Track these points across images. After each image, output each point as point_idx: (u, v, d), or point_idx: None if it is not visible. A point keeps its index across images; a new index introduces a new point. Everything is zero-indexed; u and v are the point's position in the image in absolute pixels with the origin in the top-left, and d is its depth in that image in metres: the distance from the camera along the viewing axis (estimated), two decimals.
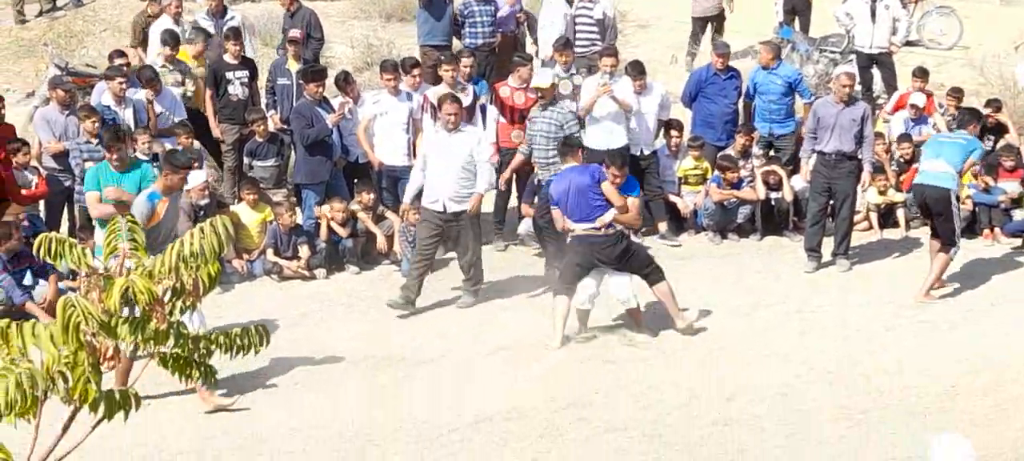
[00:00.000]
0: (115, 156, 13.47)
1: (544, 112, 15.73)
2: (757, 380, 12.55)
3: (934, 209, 14.67)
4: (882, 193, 17.42)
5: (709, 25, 22.52)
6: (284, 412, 11.95)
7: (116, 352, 5.47)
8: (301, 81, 16.90)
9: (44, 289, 14.34)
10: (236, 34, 18.11)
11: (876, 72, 20.70)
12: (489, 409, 11.90)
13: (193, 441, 11.43)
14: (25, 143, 16.01)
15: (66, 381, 5.39)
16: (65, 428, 5.54)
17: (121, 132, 14.57)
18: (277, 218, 16.13)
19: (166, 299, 5.59)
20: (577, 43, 19.12)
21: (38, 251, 5.75)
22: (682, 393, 12.32)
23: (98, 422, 5.56)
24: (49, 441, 5.71)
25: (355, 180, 16.92)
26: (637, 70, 17.10)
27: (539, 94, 15.87)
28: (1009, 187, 16.99)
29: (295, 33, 18.48)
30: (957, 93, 18.20)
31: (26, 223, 15.01)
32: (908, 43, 21.84)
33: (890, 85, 20.29)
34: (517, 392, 12.29)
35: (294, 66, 17.86)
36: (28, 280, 14.40)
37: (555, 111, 15.67)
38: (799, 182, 16.78)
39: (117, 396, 5.47)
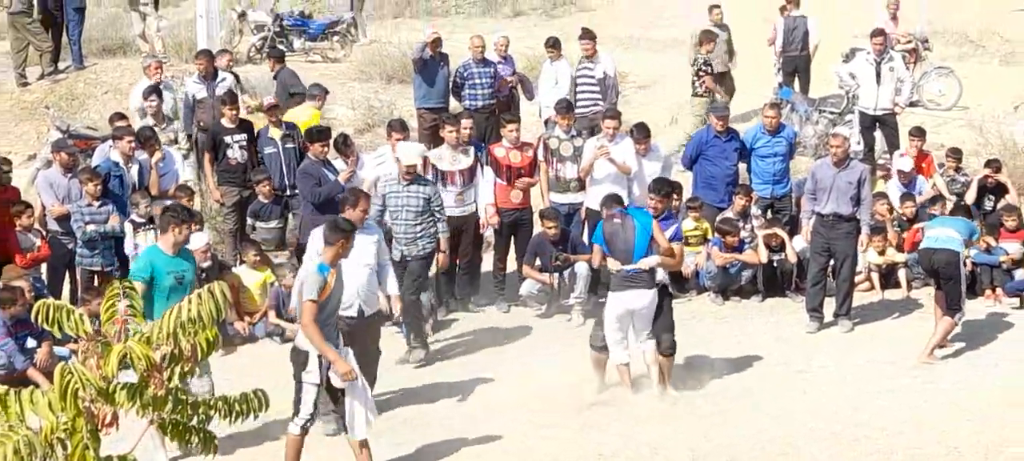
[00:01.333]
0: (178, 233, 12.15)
1: (408, 188, 14.98)
2: (760, 440, 12.50)
3: (943, 273, 14.69)
4: (882, 253, 17.42)
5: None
6: None
7: (115, 418, 5.46)
8: (306, 142, 16.88)
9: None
10: (233, 98, 18.20)
11: (879, 133, 20.74)
12: None
13: None
14: (28, 206, 16.06)
15: (65, 448, 5.38)
16: None
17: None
18: (279, 280, 16.12)
19: (164, 365, 5.58)
20: (578, 103, 19.19)
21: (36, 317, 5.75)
22: (684, 453, 12.26)
23: None
24: None
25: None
26: (642, 133, 17.14)
27: (406, 170, 15.01)
28: (1011, 248, 17.00)
29: (270, 100, 18.49)
30: (956, 154, 18.24)
31: (28, 288, 14.97)
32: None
33: (893, 146, 20.32)
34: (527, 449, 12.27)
35: (277, 133, 17.83)
36: (30, 344, 14.36)
37: (421, 187, 15.07)
38: (800, 243, 16.78)
39: None
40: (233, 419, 5.90)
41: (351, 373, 11.03)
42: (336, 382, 11.07)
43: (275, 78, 20.03)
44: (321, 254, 11.37)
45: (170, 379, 5.62)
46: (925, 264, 15.14)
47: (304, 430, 11.18)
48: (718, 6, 23.11)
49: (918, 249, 15.14)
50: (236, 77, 20.64)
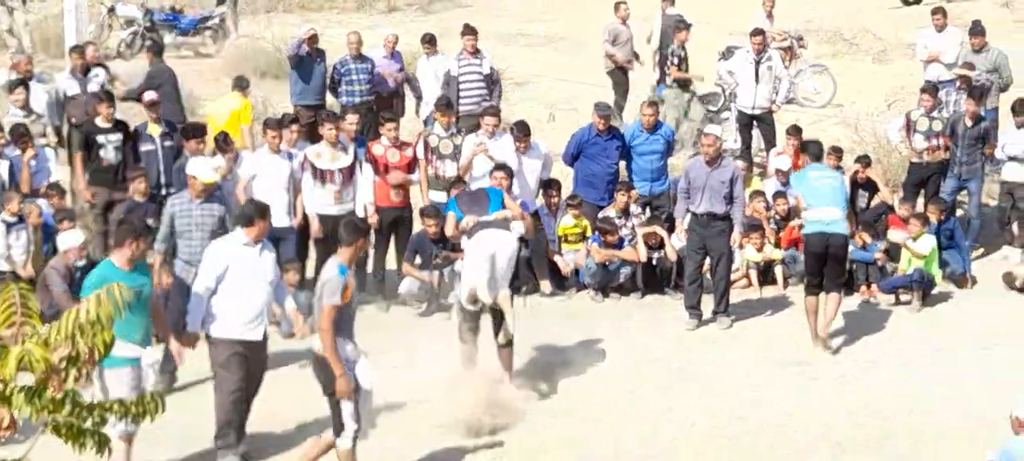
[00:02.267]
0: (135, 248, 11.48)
1: (202, 206, 13.97)
2: (643, 437, 12.56)
3: (836, 255, 14.98)
4: (760, 250, 17.57)
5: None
6: None
7: (12, 422, 5.33)
8: (182, 138, 16.67)
9: None
10: (109, 97, 17.88)
11: (756, 131, 20.93)
12: None
13: None
14: None
15: None
16: None
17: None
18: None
19: (62, 367, 5.45)
20: (464, 100, 19.16)
21: None
22: (567, 453, 12.28)
23: None
24: None
25: None
26: (522, 130, 17.14)
27: (202, 188, 14.05)
28: (898, 236, 17.19)
29: (151, 96, 18.15)
30: (837, 152, 18.41)
31: None
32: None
33: (770, 143, 20.53)
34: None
35: (156, 130, 17.56)
36: None
37: (215, 205, 14.15)
38: (679, 241, 16.87)
39: None
40: (130, 421, 5.77)
41: (349, 394, 10.82)
42: (364, 385, 10.93)
43: (150, 72, 19.73)
44: (339, 255, 11.12)
45: (66, 382, 5.49)
46: (818, 247, 15.01)
47: (355, 442, 10.97)
48: (624, 3, 23.12)
49: (808, 234, 15.11)
50: (106, 69, 20.31)
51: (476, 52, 19.97)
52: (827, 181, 15.21)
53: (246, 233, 11.83)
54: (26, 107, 18.21)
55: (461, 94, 19.47)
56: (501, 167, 15.50)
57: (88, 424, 5.67)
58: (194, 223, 13.94)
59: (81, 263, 15.51)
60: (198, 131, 16.63)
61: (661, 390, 13.85)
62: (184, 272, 13.77)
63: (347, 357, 10.82)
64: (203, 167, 14.51)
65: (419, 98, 20.83)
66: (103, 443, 5.77)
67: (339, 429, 10.91)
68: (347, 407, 10.82)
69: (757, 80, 20.53)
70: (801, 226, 16.17)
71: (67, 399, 5.46)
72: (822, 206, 14.94)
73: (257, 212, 12.04)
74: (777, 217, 18.11)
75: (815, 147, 15.79)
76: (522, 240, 16.12)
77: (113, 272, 11.03)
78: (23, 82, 18.56)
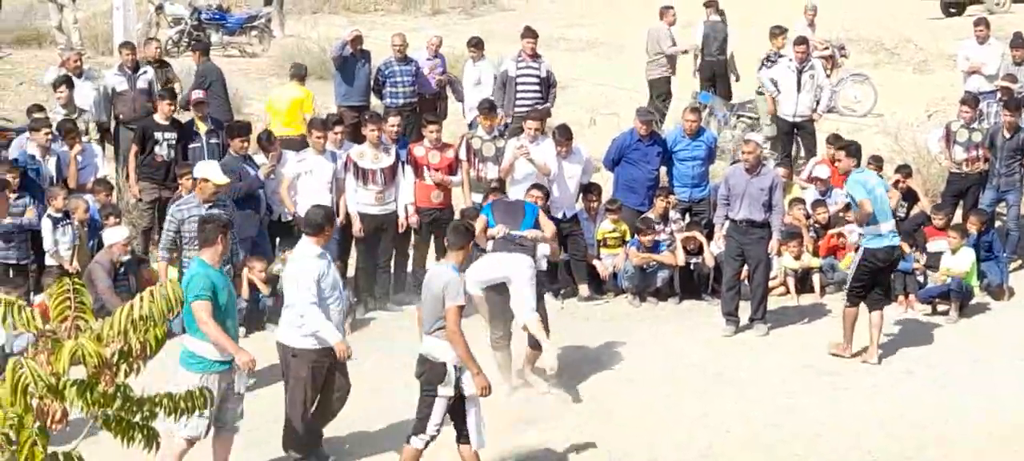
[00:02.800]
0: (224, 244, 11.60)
1: (211, 212, 13.65)
2: (677, 443, 12.61)
3: (891, 268, 15.24)
4: (798, 258, 17.62)
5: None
6: None
7: (64, 415, 5.47)
8: (227, 137, 16.84)
9: None
10: (172, 94, 18.14)
11: (798, 139, 20.98)
12: None
13: None
14: None
15: (11, 443, 5.38)
16: None
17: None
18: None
19: (114, 362, 5.59)
20: (520, 102, 19.27)
21: None
22: (601, 456, 12.35)
23: None
24: None
25: (278, 239, 16.90)
26: (564, 135, 17.20)
27: (214, 191, 14.09)
28: (937, 246, 17.20)
29: (198, 94, 18.38)
30: (877, 161, 18.45)
31: None
32: None
33: (810, 152, 20.57)
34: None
35: (203, 128, 17.80)
36: None
37: (224, 210, 13.92)
38: (719, 247, 16.93)
39: (61, 459, 5.47)
40: (177, 416, 5.91)
41: (489, 389, 10.97)
42: (468, 392, 10.95)
43: (199, 71, 19.93)
44: (449, 258, 11.23)
45: (117, 376, 5.63)
46: (885, 261, 14.89)
47: (425, 446, 11.04)
48: (672, 8, 23.15)
49: (877, 248, 14.71)
50: (168, 67, 20.46)
51: (535, 55, 20.06)
52: (882, 190, 15.19)
53: (315, 242, 11.70)
54: (69, 105, 18.42)
55: (518, 96, 19.56)
56: (538, 186, 15.66)
57: (137, 418, 5.81)
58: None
59: (126, 258, 15.73)
60: (243, 129, 16.77)
61: (697, 395, 13.89)
62: None
63: (456, 363, 10.92)
64: (215, 169, 14.49)
65: (460, 101, 20.95)
66: (152, 437, 5.92)
67: (420, 429, 10.96)
68: (441, 407, 10.89)
69: (799, 89, 20.55)
70: (857, 235, 16.11)
71: (118, 393, 5.60)
72: (887, 220, 14.83)
73: (326, 219, 11.91)
74: (817, 226, 18.16)
75: (856, 147, 15.54)
76: (561, 244, 16.31)
77: (210, 271, 11.08)
78: (67, 80, 18.77)
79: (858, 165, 15.18)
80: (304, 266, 11.57)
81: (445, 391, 10.85)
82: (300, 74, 20.02)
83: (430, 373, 10.89)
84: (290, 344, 11.68)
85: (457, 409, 11.02)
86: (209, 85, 19.33)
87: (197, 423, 10.65)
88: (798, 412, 13.45)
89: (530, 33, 20.31)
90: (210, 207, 13.67)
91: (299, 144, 17.92)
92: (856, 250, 15.58)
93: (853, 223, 17.24)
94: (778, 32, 21.70)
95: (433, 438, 10.98)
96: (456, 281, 10.89)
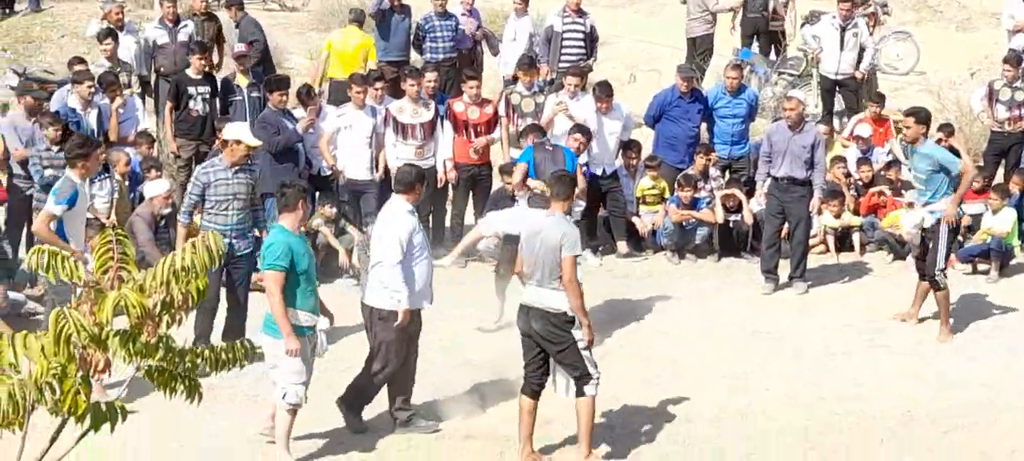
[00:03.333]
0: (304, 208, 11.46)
1: (238, 175, 13.04)
2: (716, 402, 12.60)
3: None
4: (838, 216, 17.56)
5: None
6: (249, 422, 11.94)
7: (107, 364, 5.50)
8: (266, 91, 16.86)
9: None
10: (202, 48, 18.13)
11: (839, 96, 20.87)
12: (453, 425, 11.93)
13: (162, 455, 11.37)
14: None
15: (54, 392, 5.41)
16: (53, 439, 5.56)
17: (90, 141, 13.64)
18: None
19: (157, 313, 5.62)
20: (565, 57, 19.20)
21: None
22: (641, 414, 12.35)
23: (84, 433, 5.58)
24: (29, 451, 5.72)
25: (317, 193, 16.93)
26: (604, 91, 17.17)
27: (245, 153, 13.14)
28: (974, 208, 17.11)
29: (240, 48, 18.44)
30: (947, 129, 18.25)
31: None
32: None
33: (852, 110, 20.47)
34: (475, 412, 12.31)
35: (244, 81, 17.86)
36: None
37: (250, 175, 13.29)
38: (757, 205, 16.89)
39: (104, 408, 5.50)
40: (219, 368, 5.93)
41: (593, 341, 10.99)
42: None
43: (237, 26, 19.94)
44: (557, 207, 11.03)
45: (160, 327, 5.66)
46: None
47: (597, 388, 11.00)
48: None
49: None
50: (216, 20, 20.44)
51: (580, 11, 19.97)
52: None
53: (407, 199, 11.50)
54: (113, 58, 18.46)
55: (563, 51, 19.48)
56: (580, 128, 15.65)
57: (180, 369, 5.84)
58: (231, 193, 13.02)
59: (166, 211, 15.78)
60: (282, 83, 16.79)
61: (735, 353, 13.88)
62: None
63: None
64: (246, 130, 13.60)
65: (495, 54, 20.90)
66: (194, 389, 5.94)
67: (586, 379, 10.88)
68: (589, 355, 10.86)
69: (842, 46, 20.42)
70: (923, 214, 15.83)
71: (160, 344, 5.62)
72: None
73: (417, 177, 11.65)
74: (859, 183, 18.09)
75: (926, 115, 14.70)
76: (601, 200, 16.32)
77: (291, 238, 10.82)
78: (112, 33, 18.79)
79: (927, 133, 14.58)
80: (395, 223, 11.39)
81: (579, 334, 10.79)
82: (359, 19, 20.10)
83: (558, 326, 10.82)
84: (378, 305, 11.54)
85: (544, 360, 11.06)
86: (253, 41, 19.37)
87: (297, 390, 10.68)
88: (837, 370, 13.44)
89: None
90: (237, 170, 12.96)
91: None
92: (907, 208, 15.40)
93: (894, 182, 17.25)
94: None
95: (599, 375, 10.92)
96: (573, 231, 10.86)
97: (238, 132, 13.29)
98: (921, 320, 14.77)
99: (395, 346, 11.53)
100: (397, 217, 11.44)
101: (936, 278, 14.26)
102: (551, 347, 10.89)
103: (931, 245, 14.27)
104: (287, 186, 11.22)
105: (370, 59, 19.53)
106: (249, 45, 18.94)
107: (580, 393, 10.93)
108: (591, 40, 19.94)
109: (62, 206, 11.83)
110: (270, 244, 10.77)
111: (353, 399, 11.79)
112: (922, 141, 14.32)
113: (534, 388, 11.05)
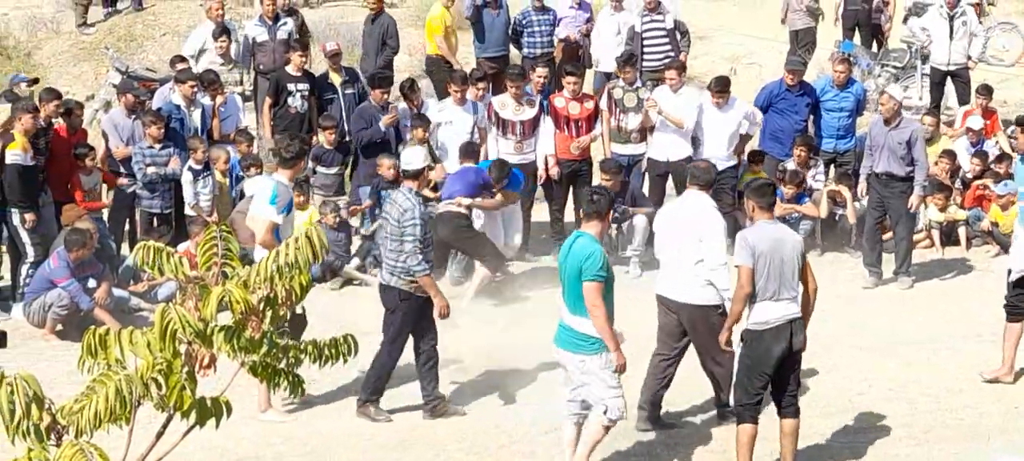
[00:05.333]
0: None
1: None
2: (820, 395, 12.48)
3: None
4: (944, 210, 17.34)
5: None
6: (347, 419, 11.99)
7: (212, 359, 5.52)
8: (370, 87, 17.05)
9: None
10: (304, 47, 18.24)
11: (950, 88, 20.60)
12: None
13: (256, 447, 11.45)
14: (91, 149, 16.02)
15: (160, 387, 5.44)
16: (159, 434, 5.59)
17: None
18: (322, 218, 16.10)
19: (260, 308, 5.63)
20: (648, 56, 19.07)
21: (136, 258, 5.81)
22: None
23: (190, 429, 5.61)
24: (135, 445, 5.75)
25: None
26: (718, 86, 16.86)
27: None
28: None
29: (331, 46, 18.53)
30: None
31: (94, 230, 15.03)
32: None
33: (963, 101, 20.18)
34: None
35: (338, 79, 17.97)
36: (91, 285, 14.47)
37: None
38: (860, 200, 16.72)
39: (209, 404, 5.52)
40: (322, 363, 5.94)
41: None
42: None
43: (372, 23, 19.85)
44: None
45: (264, 322, 5.67)
46: None
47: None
48: None
49: None
50: (297, 15, 20.51)
51: (657, 7, 19.83)
52: None
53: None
54: (227, 55, 18.60)
55: (645, 50, 19.33)
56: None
57: (283, 364, 5.85)
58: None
59: None
60: (384, 81, 16.91)
61: (840, 348, 13.72)
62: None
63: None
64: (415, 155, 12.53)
65: (589, 66, 20.77)
66: (297, 384, 5.95)
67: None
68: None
69: (952, 36, 20.17)
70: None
71: (264, 339, 5.63)
72: None
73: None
74: (968, 177, 17.86)
75: None
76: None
77: (596, 246, 10.29)
78: (226, 30, 18.92)
79: None
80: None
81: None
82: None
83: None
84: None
85: None
86: (384, 36, 19.47)
87: (618, 404, 10.27)
88: (940, 367, 13.29)
89: None
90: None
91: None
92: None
93: (1002, 176, 17.02)
94: None
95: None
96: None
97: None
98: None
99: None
100: None
101: None
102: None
103: None
104: (597, 193, 10.70)
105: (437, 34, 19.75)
106: (383, 45, 19.12)
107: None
108: (678, 34, 19.69)
109: (283, 214, 11.88)
110: (590, 255, 10.12)
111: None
112: None
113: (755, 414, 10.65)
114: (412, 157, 12.28)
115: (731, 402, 10.85)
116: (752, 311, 10.32)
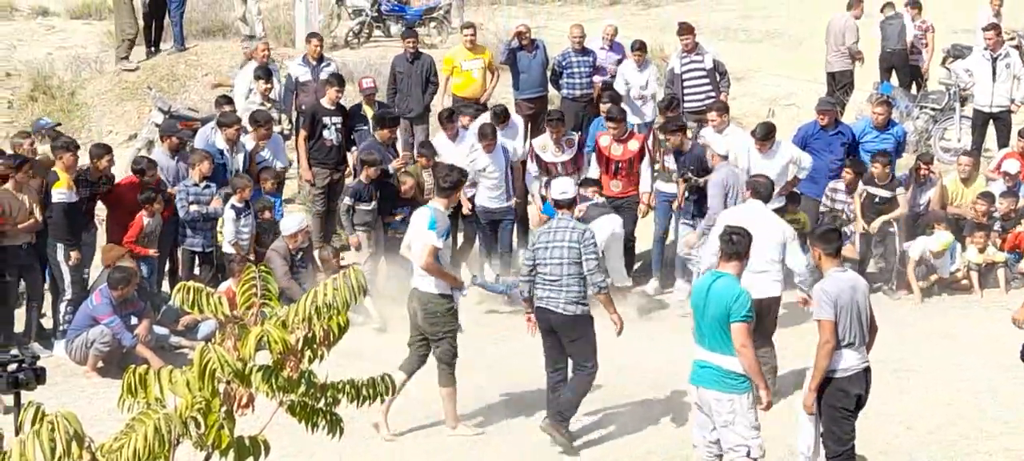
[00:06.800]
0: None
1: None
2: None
3: None
4: (982, 251, 17.30)
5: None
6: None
7: (250, 399, 5.58)
8: (378, 126, 17.64)
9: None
10: (340, 80, 18.39)
11: (991, 130, 20.56)
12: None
13: None
14: (159, 193, 15.94)
15: (198, 426, 5.50)
16: None
17: None
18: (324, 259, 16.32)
19: (299, 349, 5.69)
20: (689, 97, 19.13)
21: (176, 298, 5.87)
22: (781, 448, 12.23)
23: None
24: None
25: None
26: (763, 134, 16.74)
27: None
28: None
29: (368, 83, 18.76)
30: None
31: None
32: None
33: (1003, 143, 20.11)
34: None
35: (370, 112, 18.35)
36: (133, 322, 14.59)
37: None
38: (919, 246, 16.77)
39: (247, 443, 5.58)
40: (360, 403, 5.98)
41: None
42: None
43: (410, 62, 19.97)
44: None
45: (302, 362, 5.73)
46: None
47: None
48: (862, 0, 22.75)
49: None
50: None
51: (696, 47, 19.87)
52: None
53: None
54: (268, 96, 18.81)
55: (685, 91, 19.38)
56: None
57: (321, 404, 5.90)
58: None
59: (304, 246, 16.00)
60: (392, 122, 17.42)
61: (877, 390, 13.51)
62: None
63: None
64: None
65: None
66: (335, 423, 5.99)
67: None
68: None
69: (995, 78, 20.13)
70: None
71: (302, 379, 5.69)
72: None
73: None
74: (1004, 219, 17.82)
75: None
76: None
77: (741, 287, 10.36)
78: (268, 72, 19.13)
79: None
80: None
81: None
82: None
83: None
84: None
85: None
86: (427, 74, 19.77)
87: (758, 443, 10.30)
88: (981, 409, 13.25)
89: (685, 29, 19.92)
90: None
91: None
92: None
93: None
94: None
95: None
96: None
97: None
98: None
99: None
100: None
101: None
102: None
103: None
104: (737, 234, 10.58)
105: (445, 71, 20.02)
106: (427, 83, 19.53)
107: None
108: (717, 74, 19.72)
109: (442, 239, 12.28)
110: (738, 296, 10.20)
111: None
112: None
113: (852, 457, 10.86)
114: (565, 186, 12.78)
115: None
116: (833, 359, 10.41)
